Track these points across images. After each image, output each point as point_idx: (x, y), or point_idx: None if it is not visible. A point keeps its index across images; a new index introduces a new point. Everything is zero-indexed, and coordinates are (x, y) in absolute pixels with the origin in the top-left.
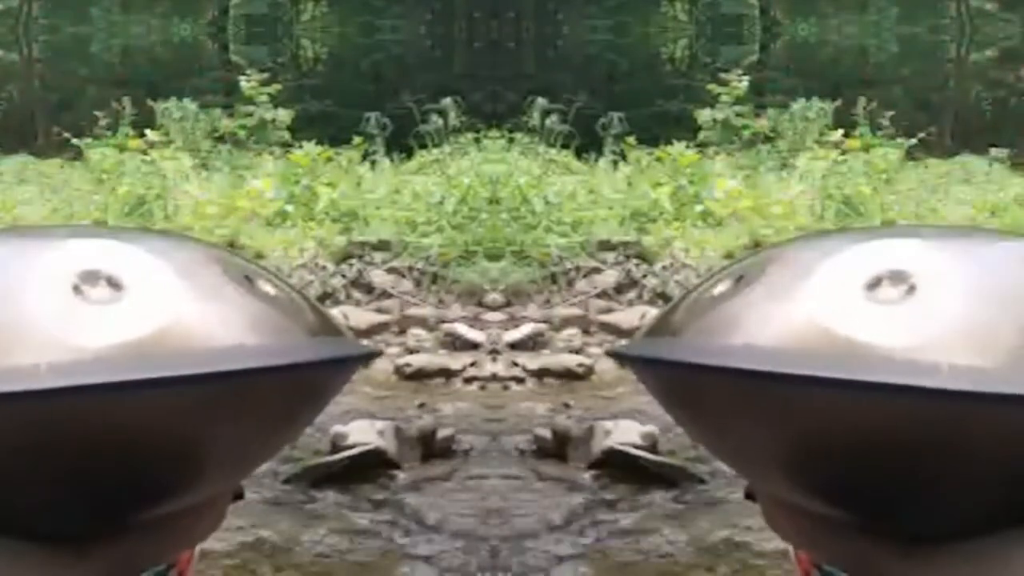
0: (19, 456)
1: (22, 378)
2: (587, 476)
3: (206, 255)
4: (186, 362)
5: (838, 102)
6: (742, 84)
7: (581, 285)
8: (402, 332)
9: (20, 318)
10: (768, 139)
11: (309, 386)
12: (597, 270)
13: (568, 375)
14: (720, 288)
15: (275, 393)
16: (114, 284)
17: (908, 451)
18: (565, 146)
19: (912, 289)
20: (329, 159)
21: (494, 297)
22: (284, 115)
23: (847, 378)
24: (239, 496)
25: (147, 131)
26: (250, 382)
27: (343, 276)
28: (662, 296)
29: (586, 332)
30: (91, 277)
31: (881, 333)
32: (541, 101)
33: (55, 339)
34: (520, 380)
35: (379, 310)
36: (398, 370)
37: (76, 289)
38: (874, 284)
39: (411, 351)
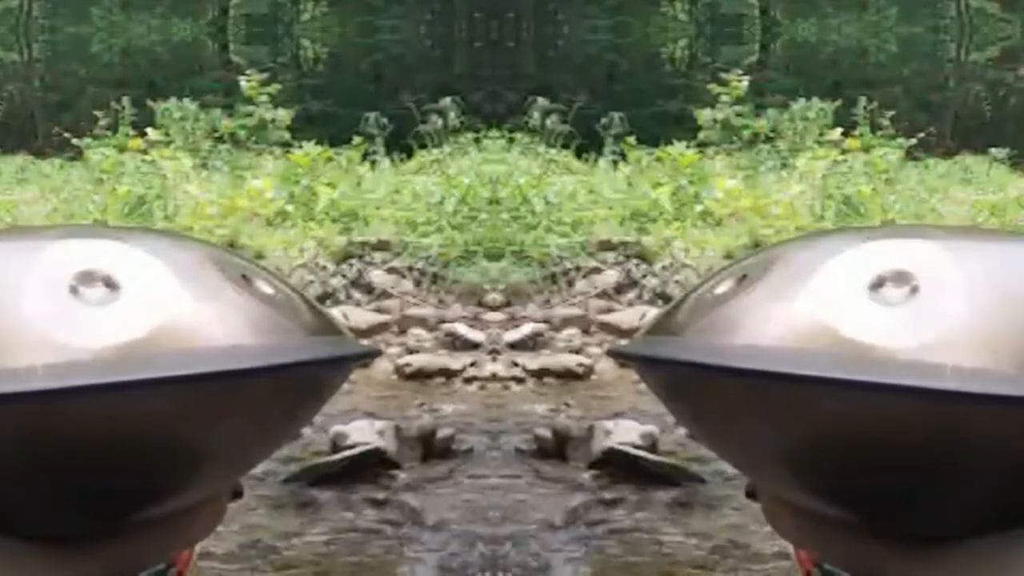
0: (18, 457)
1: (19, 380)
2: (587, 476)
3: (203, 254)
4: (183, 362)
5: (838, 102)
6: (742, 84)
7: (581, 285)
8: (402, 332)
9: (17, 319)
10: (768, 139)
11: (307, 385)
12: (597, 270)
13: (568, 375)
14: (722, 288)
15: (273, 392)
16: (110, 284)
17: (910, 451)
18: (565, 146)
19: (915, 290)
20: (329, 159)
21: (494, 297)
22: (284, 115)
23: (850, 379)
24: (238, 494)
25: (147, 131)
26: (247, 382)
27: (343, 276)
28: (662, 296)
29: (586, 332)
30: (88, 277)
31: (885, 334)
32: (541, 101)
33: (52, 340)
34: (520, 380)
35: (379, 310)
36: (398, 370)
37: (73, 290)
38: (877, 284)
39: (411, 351)
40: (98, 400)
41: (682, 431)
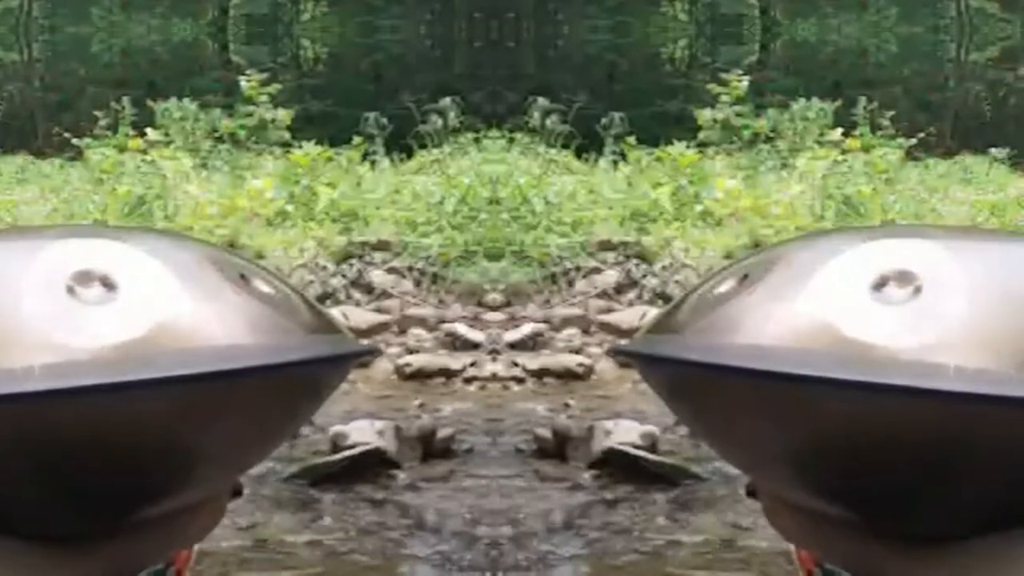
0: (17, 457)
1: (16, 380)
2: (587, 476)
3: (202, 254)
4: (181, 362)
5: (838, 102)
6: (742, 84)
7: (581, 285)
8: (402, 332)
9: (14, 319)
10: (768, 139)
11: (305, 384)
12: (597, 270)
13: (568, 375)
14: (724, 287)
15: (271, 391)
16: (108, 284)
17: (912, 452)
18: (565, 146)
19: (918, 290)
20: (329, 159)
21: (494, 297)
22: (284, 115)
23: (852, 379)
24: (237, 494)
25: (147, 131)
26: (245, 381)
27: (343, 276)
28: (662, 296)
29: (586, 332)
30: (85, 277)
31: (887, 334)
32: (541, 101)
33: (49, 340)
34: (520, 380)
35: (379, 310)
36: (398, 370)
37: (70, 290)
38: (880, 284)
39: (411, 351)
40: (96, 400)
41: (682, 431)
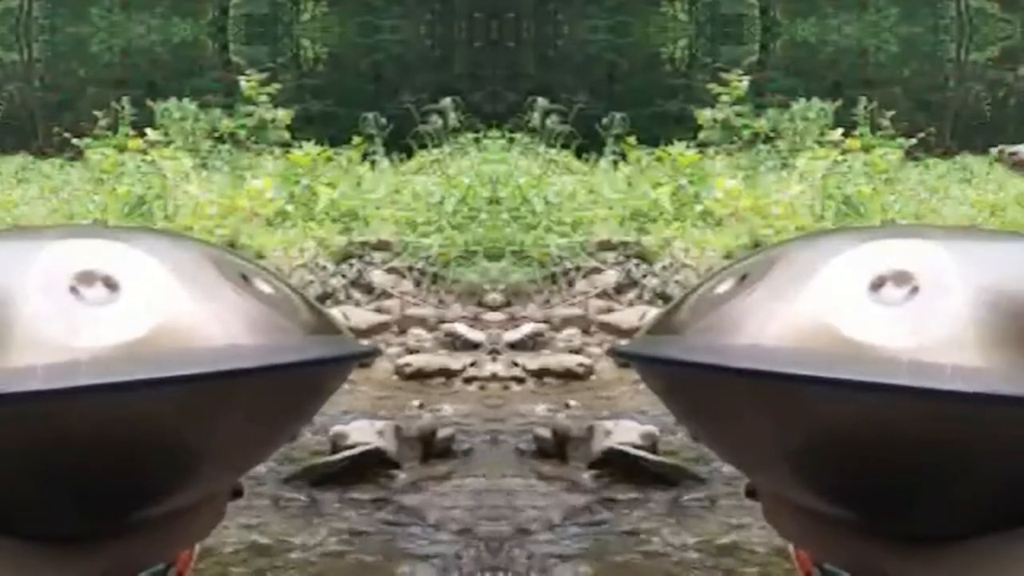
0: (17, 457)
1: (19, 380)
2: (587, 476)
3: (202, 254)
4: (182, 362)
5: (838, 102)
6: (742, 84)
7: (581, 285)
8: (402, 332)
9: (17, 319)
10: (768, 139)
11: (306, 385)
12: (597, 270)
13: (568, 375)
14: (723, 287)
15: (271, 392)
16: (110, 284)
17: (911, 451)
18: (565, 146)
19: (915, 290)
20: (329, 159)
21: (494, 297)
22: (284, 115)
23: (851, 379)
24: (238, 494)
25: (147, 131)
26: (246, 381)
27: (343, 276)
28: (662, 296)
29: (586, 332)
30: (87, 278)
31: (885, 334)
32: (541, 101)
33: (51, 340)
34: (520, 380)
35: (379, 310)
36: (398, 370)
37: (72, 290)
38: (878, 284)
39: (411, 351)
40: (98, 400)
41: (682, 431)
